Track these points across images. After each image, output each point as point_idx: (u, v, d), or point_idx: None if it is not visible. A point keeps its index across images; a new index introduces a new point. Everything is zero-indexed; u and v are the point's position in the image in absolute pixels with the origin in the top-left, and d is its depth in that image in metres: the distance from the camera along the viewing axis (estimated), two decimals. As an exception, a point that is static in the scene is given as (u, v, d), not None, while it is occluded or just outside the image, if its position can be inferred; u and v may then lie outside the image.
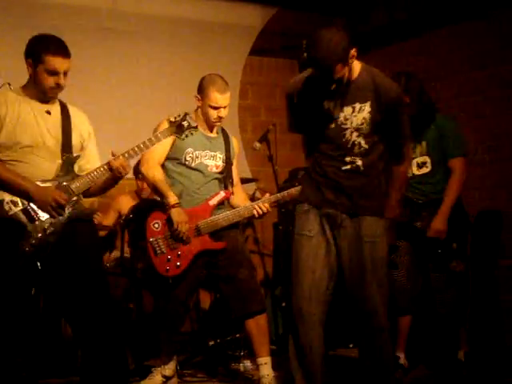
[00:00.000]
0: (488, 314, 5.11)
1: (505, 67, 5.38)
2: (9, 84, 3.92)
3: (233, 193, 4.38)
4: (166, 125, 4.24)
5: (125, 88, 5.79)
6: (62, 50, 3.34)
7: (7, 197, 3.27)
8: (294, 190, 4.27)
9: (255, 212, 4.31)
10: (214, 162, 4.32)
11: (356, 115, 3.41)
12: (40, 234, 3.26)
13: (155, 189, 4.24)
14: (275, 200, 4.37)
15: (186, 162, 4.25)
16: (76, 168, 3.45)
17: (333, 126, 3.44)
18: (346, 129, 3.43)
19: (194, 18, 6.31)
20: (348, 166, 3.46)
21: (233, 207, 4.39)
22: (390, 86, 3.46)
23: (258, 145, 5.03)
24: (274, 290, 5.70)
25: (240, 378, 4.62)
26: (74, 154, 3.43)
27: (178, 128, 3.54)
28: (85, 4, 5.56)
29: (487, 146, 5.49)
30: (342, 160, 3.47)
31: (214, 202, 4.28)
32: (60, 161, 3.38)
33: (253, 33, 6.59)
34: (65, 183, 3.35)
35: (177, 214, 4.17)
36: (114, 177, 3.44)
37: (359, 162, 3.46)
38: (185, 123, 3.55)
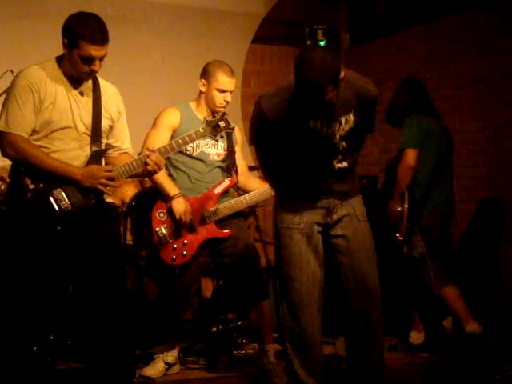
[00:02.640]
0: (490, 301, 5.12)
1: (508, 56, 5.37)
2: (11, 71, 3.91)
3: (238, 181, 4.39)
4: (168, 113, 4.27)
5: (127, 76, 5.77)
6: (99, 37, 3.17)
7: (31, 185, 3.21)
8: None
9: None
10: (215, 150, 4.32)
11: (343, 127, 3.41)
12: (65, 205, 3.23)
13: (153, 181, 4.24)
14: None
15: (187, 152, 4.24)
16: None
17: (321, 142, 3.41)
18: (335, 142, 3.44)
19: (197, 6, 6.30)
20: (336, 169, 3.50)
21: (246, 192, 4.39)
22: (368, 88, 3.43)
23: (260, 133, 5.00)
24: (276, 278, 5.70)
25: (242, 366, 4.63)
26: (103, 146, 3.36)
27: (213, 128, 3.46)
28: (88, -9, 5.56)
29: (489, 135, 5.49)
30: (329, 165, 3.49)
31: (219, 190, 4.28)
32: (88, 148, 3.31)
33: (256, 21, 6.57)
34: None
35: (177, 205, 4.17)
36: (147, 172, 3.38)
37: (345, 164, 3.51)
38: (221, 123, 3.47)
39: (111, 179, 3.28)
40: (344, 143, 3.45)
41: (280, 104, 3.37)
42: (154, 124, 4.28)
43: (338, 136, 3.42)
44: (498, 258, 5.27)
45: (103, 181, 3.24)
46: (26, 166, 3.23)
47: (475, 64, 5.61)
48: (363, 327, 3.52)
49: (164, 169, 4.19)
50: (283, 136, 3.41)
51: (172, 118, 4.25)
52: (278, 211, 3.60)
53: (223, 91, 4.21)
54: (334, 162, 3.48)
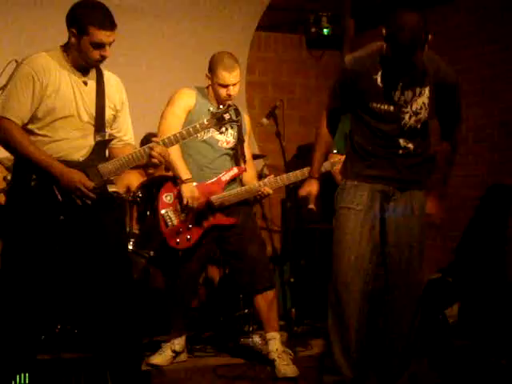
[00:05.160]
0: (496, 288, 5.11)
1: (513, 41, 5.35)
2: (16, 61, 3.91)
3: (245, 169, 4.39)
4: (184, 93, 4.27)
5: (132, 65, 5.77)
6: (108, 22, 3.18)
7: (34, 174, 3.20)
8: (300, 173, 4.30)
9: (257, 197, 4.34)
10: (224, 137, 4.31)
11: (416, 99, 3.44)
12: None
13: (169, 163, 4.24)
14: (282, 184, 4.40)
15: (198, 135, 4.23)
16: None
17: (391, 108, 3.44)
18: (406, 112, 3.45)
19: (201, -6, 6.28)
20: (400, 152, 3.50)
21: (242, 184, 4.41)
22: (449, 71, 3.49)
23: (265, 121, 5.01)
24: (283, 266, 5.71)
25: (249, 353, 4.65)
26: (107, 137, 3.35)
27: (218, 120, 3.43)
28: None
29: (496, 120, 5.47)
30: (395, 143, 3.49)
31: (226, 177, 4.30)
32: (92, 138, 3.30)
33: (260, 8, 6.54)
34: (95, 166, 3.27)
35: (187, 190, 4.18)
36: (151, 164, 3.36)
37: (411, 146, 3.51)
38: (226, 116, 3.43)
39: (87, 196, 3.22)
40: (417, 125, 3.48)
41: (361, 58, 3.47)
42: (171, 103, 4.27)
43: (410, 107, 3.44)
44: (506, 244, 5.26)
45: (78, 193, 3.20)
46: (12, 153, 3.24)
47: (481, 49, 5.58)
48: (395, 320, 3.57)
49: (180, 150, 4.19)
50: (357, 93, 3.46)
51: (188, 99, 4.26)
52: (339, 190, 3.61)
53: (224, 86, 4.21)
54: (401, 140, 3.49)
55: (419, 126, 3.48)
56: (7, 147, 3.25)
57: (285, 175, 4.38)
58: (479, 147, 5.58)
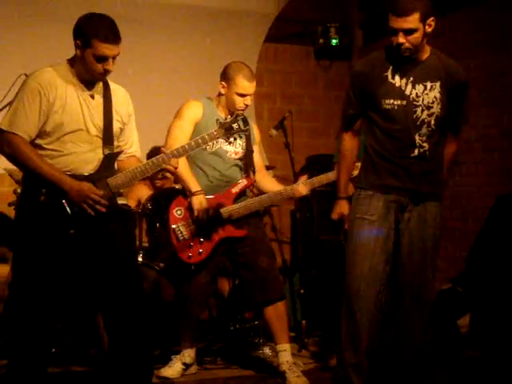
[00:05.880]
0: (507, 298, 5.08)
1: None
2: (25, 75, 3.93)
3: (255, 181, 4.38)
4: (191, 106, 4.27)
5: (139, 77, 5.79)
6: (112, 35, 3.19)
7: (44, 188, 3.21)
8: (331, 175, 4.27)
9: (297, 194, 4.31)
10: (233, 148, 4.31)
11: (427, 93, 3.48)
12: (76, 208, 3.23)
13: (177, 176, 4.24)
14: (312, 186, 4.36)
15: (207, 147, 4.23)
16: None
17: (404, 102, 3.47)
18: (418, 106, 3.48)
19: (209, 6, 6.30)
20: (416, 152, 3.50)
21: (262, 192, 4.39)
22: (458, 69, 3.56)
23: (274, 132, 5.01)
24: (292, 278, 5.70)
25: (259, 365, 4.63)
26: (115, 150, 3.36)
27: (227, 130, 3.44)
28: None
29: (505, 130, 5.45)
30: (410, 140, 3.49)
31: (236, 189, 4.29)
32: (101, 151, 3.31)
33: (268, 20, 6.57)
34: (105, 179, 3.28)
35: (197, 202, 4.18)
36: (160, 175, 3.38)
37: (426, 146, 3.51)
38: (234, 125, 3.45)
39: (99, 203, 3.23)
40: (431, 119, 3.49)
41: (370, 59, 3.57)
42: (178, 116, 4.27)
43: (421, 101, 3.47)
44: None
45: (89, 201, 3.21)
46: (21, 168, 3.27)
47: (489, 58, 5.57)
48: (408, 331, 3.58)
49: (187, 163, 4.19)
50: (369, 94, 3.51)
51: (195, 111, 4.25)
52: (353, 201, 3.62)
53: (243, 95, 4.22)
54: (416, 137, 3.49)
55: (433, 121, 3.49)
56: (15, 162, 3.26)
57: (317, 177, 4.33)
58: (489, 157, 5.56)
